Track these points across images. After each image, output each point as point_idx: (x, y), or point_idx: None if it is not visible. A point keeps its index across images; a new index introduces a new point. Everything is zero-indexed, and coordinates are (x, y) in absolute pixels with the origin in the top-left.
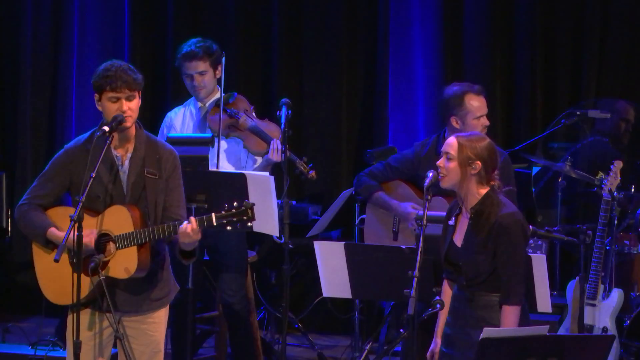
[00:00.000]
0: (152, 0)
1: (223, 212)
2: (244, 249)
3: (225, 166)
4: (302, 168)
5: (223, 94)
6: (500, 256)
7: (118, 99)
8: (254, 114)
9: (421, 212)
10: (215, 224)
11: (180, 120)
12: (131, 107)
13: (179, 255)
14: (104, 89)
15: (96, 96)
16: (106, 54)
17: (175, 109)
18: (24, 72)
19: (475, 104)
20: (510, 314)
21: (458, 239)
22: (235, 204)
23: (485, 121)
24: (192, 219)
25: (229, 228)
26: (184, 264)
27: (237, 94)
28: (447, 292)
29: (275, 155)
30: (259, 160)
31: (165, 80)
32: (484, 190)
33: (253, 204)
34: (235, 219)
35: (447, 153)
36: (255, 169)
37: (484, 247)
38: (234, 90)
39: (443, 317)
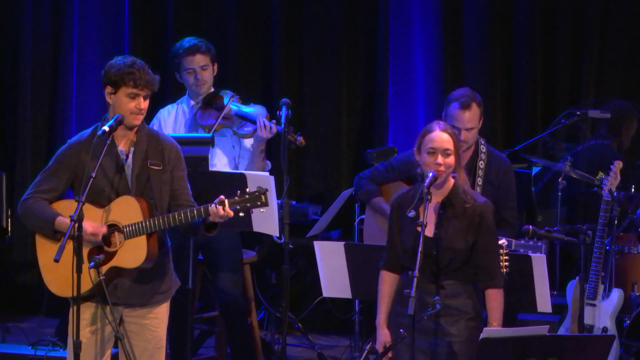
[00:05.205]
0: (152, 0)
1: (236, 198)
2: (238, 246)
3: (221, 158)
4: (291, 137)
5: (210, 92)
6: (482, 243)
7: (137, 96)
8: (237, 101)
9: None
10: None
11: (173, 118)
12: (145, 106)
13: (202, 229)
14: (124, 83)
15: (109, 89)
16: (106, 54)
17: (168, 107)
18: (24, 73)
19: (454, 114)
20: (498, 296)
21: (428, 230)
22: (247, 189)
23: (462, 136)
24: (222, 197)
25: (241, 214)
26: (183, 261)
27: (221, 89)
28: (387, 282)
29: (264, 132)
30: (250, 141)
31: (165, 80)
32: (452, 180)
33: (266, 190)
34: (249, 205)
35: (446, 149)
36: (251, 152)
37: (462, 235)
38: (233, 89)
39: (384, 306)
